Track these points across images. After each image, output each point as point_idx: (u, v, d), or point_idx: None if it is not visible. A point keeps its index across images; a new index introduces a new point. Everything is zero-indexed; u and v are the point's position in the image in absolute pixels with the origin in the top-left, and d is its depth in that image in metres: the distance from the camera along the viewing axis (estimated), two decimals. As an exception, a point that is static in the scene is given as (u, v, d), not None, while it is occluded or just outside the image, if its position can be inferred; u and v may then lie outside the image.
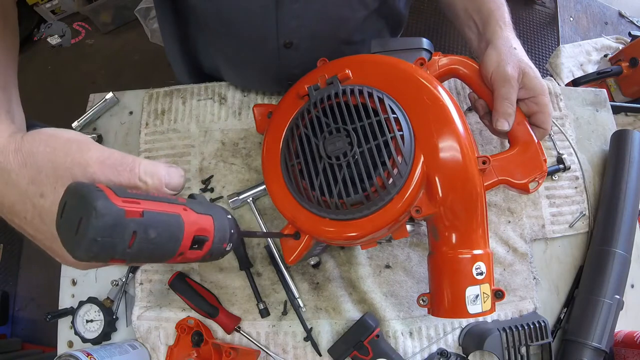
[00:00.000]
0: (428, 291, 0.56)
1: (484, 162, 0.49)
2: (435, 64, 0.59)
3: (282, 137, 0.56)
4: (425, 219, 0.52)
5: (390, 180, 0.48)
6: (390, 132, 0.48)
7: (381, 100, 0.50)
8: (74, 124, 0.80)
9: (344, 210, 0.50)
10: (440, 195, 0.49)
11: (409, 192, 0.48)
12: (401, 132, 0.48)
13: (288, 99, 0.59)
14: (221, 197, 0.74)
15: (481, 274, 0.50)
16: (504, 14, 0.62)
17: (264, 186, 0.72)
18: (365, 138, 0.49)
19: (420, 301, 0.55)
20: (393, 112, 0.49)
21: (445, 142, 0.49)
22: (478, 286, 0.50)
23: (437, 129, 0.49)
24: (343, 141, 0.49)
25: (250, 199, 0.72)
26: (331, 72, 0.56)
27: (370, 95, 0.51)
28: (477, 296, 0.49)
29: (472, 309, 0.49)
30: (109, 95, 0.81)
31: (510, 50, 0.57)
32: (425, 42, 0.58)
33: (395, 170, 0.48)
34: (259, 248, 0.72)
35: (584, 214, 0.76)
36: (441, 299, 0.52)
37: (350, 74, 0.54)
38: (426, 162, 0.49)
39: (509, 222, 0.73)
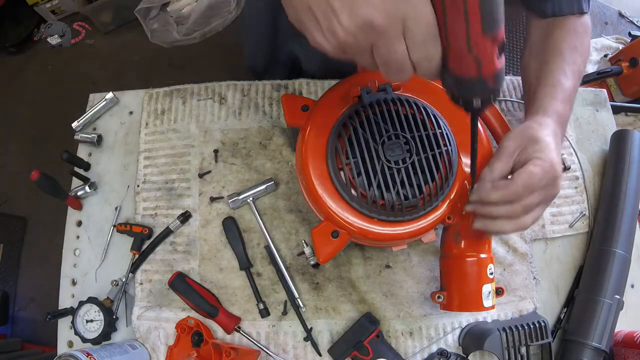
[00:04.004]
0: (434, 290, 0.66)
1: None
2: None
3: (330, 134, 0.55)
4: (450, 226, 0.59)
5: (440, 188, 0.53)
6: (444, 146, 0.53)
7: (434, 116, 0.54)
8: (74, 124, 0.80)
9: (398, 212, 0.52)
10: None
11: (451, 199, 0.54)
12: (451, 147, 0.54)
13: (333, 97, 0.58)
14: (221, 197, 0.74)
15: (492, 274, 0.59)
16: (557, 104, 0.59)
17: (264, 186, 0.72)
18: (422, 147, 0.53)
19: (437, 298, 0.61)
20: (445, 128, 0.55)
21: (481, 160, 0.56)
22: (490, 284, 0.58)
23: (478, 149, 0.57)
24: (402, 148, 0.53)
25: (250, 199, 0.72)
26: (380, 79, 0.57)
27: (425, 109, 0.54)
28: (489, 292, 0.58)
29: (486, 303, 0.58)
30: (109, 95, 0.81)
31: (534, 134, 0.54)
32: None
33: (445, 180, 0.53)
34: (259, 248, 0.72)
35: (584, 214, 0.76)
36: (460, 295, 0.59)
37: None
38: (464, 176, 0.56)
39: (509, 222, 0.73)
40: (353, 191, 0.53)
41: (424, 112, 0.54)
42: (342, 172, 0.53)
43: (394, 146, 0.53)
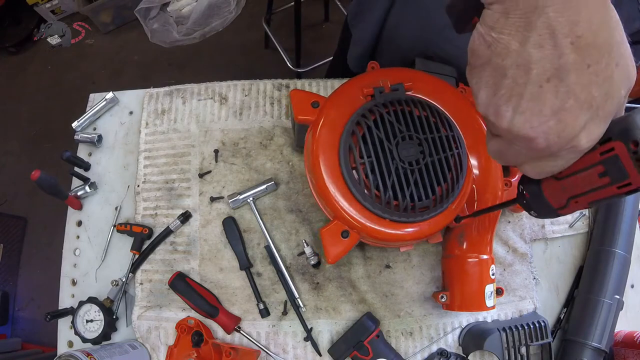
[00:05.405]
0: (434, 290, 0.69)
1: (506, 184, 0.60)
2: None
3: (342, 132, 0.54)
4: (455, 227, 0.60)
5: (452, 189, 0.53)
6: (455, 148, 0.53)
7: (446, 119, 0.55)
8: (74, 124, 0.80)
9: (411, 213, 0.52)
10: (476, 207, 0.58)
11: (460, 200, 0.55)
12: (462, 150, 0.54)
13: (345, 94, 0.57)
14: (221, 197, 0.74)
15: (493, 274, 0.60)
16: None
17: (264, 186, 0.72)
18: (435, 149, 0.53)
19: (440, 298, 0.62)
20: (457, 131, 0.55)
21: (485, 163, 0.58)
22: (492, 284, 0.60)
23: (479, 152, 0.58)
24: (415, 149, 0.52)
25: (251, 199, 0.72)
26: (392, 79, 0.57)
27: (437, 111, 0.55)
28: (491, 292, 0.59)
29: (488, 303, 0.59)
30: (109, 95, 0.81)
31: None
32: (455, 72, 0.66)
33: (457, 181, 0.53)
34: (259, 248, 0.72)
35: (584, 214, 0.76)
36: (463, 295, 0.60)
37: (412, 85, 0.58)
38: (472, 177, 0.57)
39: (509, 222, 0.73)
40: (366, 191, 0.52)
41: (436, 114, 0.54)
42: (355, 171, 0.53)
43: (408, 147, 0.52)
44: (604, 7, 0.28)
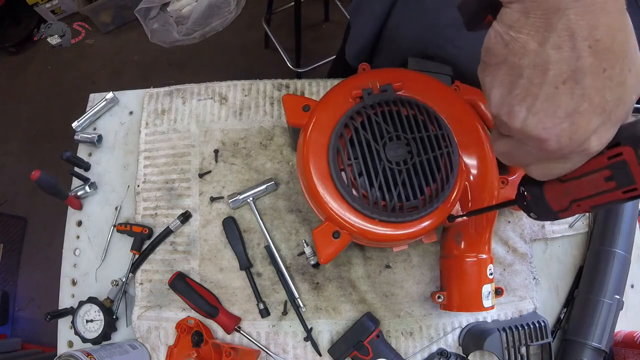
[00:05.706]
0: (434, 290, 0.67)
1: (502, 182, 0.60)
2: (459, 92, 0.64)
3: (331, 134, 0.55)
4: (451, 226, 0.59)
5: (442, 189, 0.53)
6: (445, 147, 0.53)
7: (435, 117, 0.55)
8: (74, 124, 0.80)
9: (399, 213, 0.52)
10: (470, 206, 0.57)
11: (452, 200, 0.54)
12: (452, 148, 0.54)
13: (334, 97, 0.58)
14: (221, 197, 0.74)
15: (491, 274, 0.60)
16: None
17: (264, 186, 0.72)
18: (424, 148, 0.53)
19: (437, 298, 0.62)
20: (446, 130, 0.55)
21: (479, 162, 0.58)
22: (489, 284, 0.59)
23: (475, 150, 0.58)
24: (403, 149, 0.52)
25: (251, 199, 0.72)
26: (382, 80, 0.57)
27: (426, 110, 0.55)
28: (489, 293, 0.59)
29: (485, 303, 0.58)
30: (109, 95, 0.81)
31: None
32: (451, 70, 0.66)
33: (447, 181, 0.53)
34: (259, 248, 0.72)
35: (584, 214, 0.76)
36: (460, 295, 0.60)
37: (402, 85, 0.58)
38: (465, 177, 0.57)
39: (509, 222, 0.73)
40: (354, 192, 0.53)
41: (425, 113, 0.54)
42: (343, 173, 0.53)
43: (395, 147, 0.52)
44: (621, 14, 0.28)
